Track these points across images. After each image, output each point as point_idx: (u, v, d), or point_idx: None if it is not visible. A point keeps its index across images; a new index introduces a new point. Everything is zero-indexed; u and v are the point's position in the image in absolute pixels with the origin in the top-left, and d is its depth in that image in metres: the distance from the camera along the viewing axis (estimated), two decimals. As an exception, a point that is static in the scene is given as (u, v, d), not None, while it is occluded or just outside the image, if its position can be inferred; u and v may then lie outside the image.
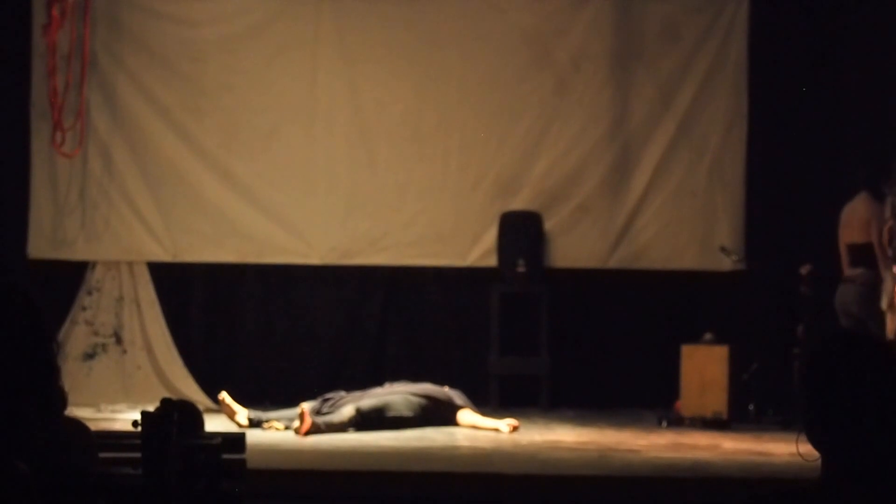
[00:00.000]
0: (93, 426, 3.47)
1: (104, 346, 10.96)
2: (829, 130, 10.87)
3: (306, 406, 9.34)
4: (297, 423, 9.21)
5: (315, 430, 9.16)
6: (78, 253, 11.04)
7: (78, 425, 3.32)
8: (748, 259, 10.85)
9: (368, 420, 9.43)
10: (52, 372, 3.19)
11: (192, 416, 3.82)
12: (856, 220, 9.77)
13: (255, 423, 9.41)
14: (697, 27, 11.11)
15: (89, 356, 10.91)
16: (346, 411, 9.40)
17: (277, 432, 9.28)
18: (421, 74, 11.11)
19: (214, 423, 8.70)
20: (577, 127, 11.14)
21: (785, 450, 8.67)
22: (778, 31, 10.97)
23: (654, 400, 10.41)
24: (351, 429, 9.33)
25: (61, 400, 3.23)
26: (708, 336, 10.24)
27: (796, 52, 10.92)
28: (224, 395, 9.54)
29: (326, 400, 9.59)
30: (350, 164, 11.11)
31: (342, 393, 9.69)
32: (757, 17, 11.03)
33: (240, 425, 9.29)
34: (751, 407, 10.20)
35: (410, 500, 7.53)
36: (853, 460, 2.59)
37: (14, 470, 2.66)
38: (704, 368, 10.08)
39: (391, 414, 9.54)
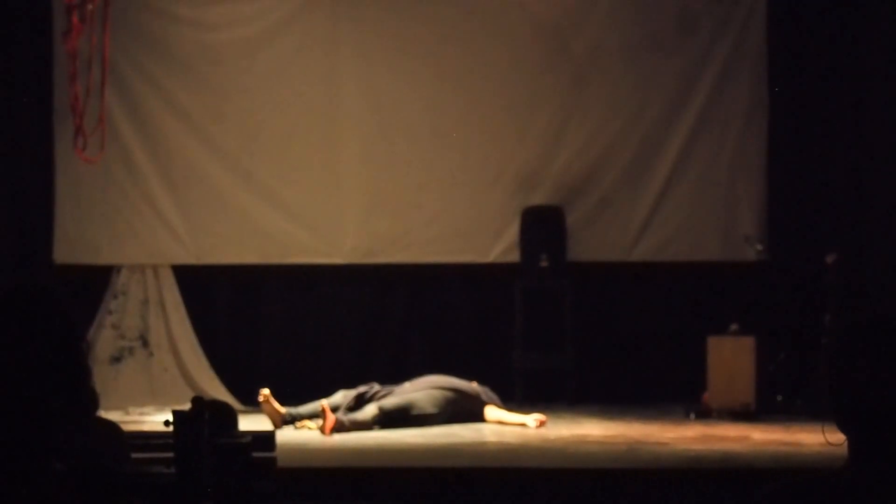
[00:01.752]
0: (122, 429, 3.49)
1: (131, 350, 11.00)
2: (850, 117, 10.84)
3: (328, 402, 9.37)
4: (321, 422, 9.21)
5: (340, 427, 9.17)
6: (102, 257, 11.09)
7: (110, 425, 3.34)
8: (772, 249, 10.82)
9: (392, 419, 9.43)
10: (82, 373, 3.20)
11: (224, 414, 3.83)
12: None
13: (287, 421, 9.44)
14: (715, 16, 11.08)
15: (116, 360, 10.94)
16: (370, 410, 9.40)
17: (310, 431, 9.29)
18: (439, 71, 11.11)
19: (245, 423, 8.71)
20: (597, 120, 11.13)
21: (815, 440, 8.64)
22: (797, 18, 10.93)
23: (682, 392, 10.38)
24: (376, 427, 9.34)
25: (93, 400, 3.24)
26: (734, 327, 10.21)
27: (816, 39, 10.88)
28: (267, 393, 9.50)
29: (361, 394, 9.59)
30: (370, 162, 11.12)
31: (376, 386, 9.69)
32: (776, 4, 10.99)
33: (277, 425, 9.30)
34: (779, 397, 10.17)
35: (438, 497, 7.53)
36: (881, 444, 2.58)
37: (51, 469, 2.68)
38: (731, 360, 10.05)
39: (416, 412, 9.54)
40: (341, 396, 9.57)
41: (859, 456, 2.61)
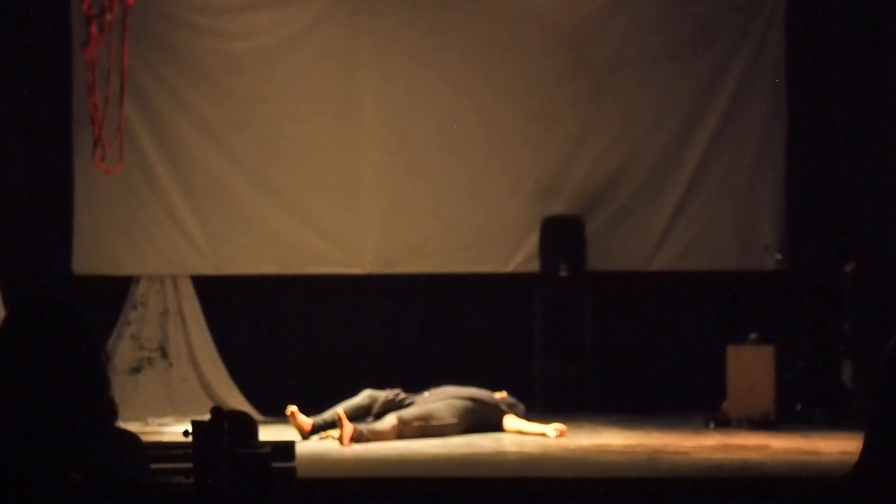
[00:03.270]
0: (141, 439, 3.48)
1: (150, 360, 11.02)
2: (869, 126, 10.81)
3: (350, 404, 9.39)
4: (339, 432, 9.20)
5: (358, 437, 9.16)
6: (122, 268, 11.11)
7: (129, 435, 3.34)
8: (791, 257, 10.80)
9: (412, 429, 9.42)
10: (101, 383, 3.21)
11: (243, 424, 3.83)
12: None
13: (315, 431, 9.43)
14: (734, 27, 11.07)
15: (135, 370, 10.96)
16: (389, 420, 9.40)
17: (333, 441, 9.28)
18: (458, 81, 11.12)
19: (264, 433, 8.71)
20: (616, 129, 11.12)
21: (834, 448, 8.63)
22: (816, 28, 10.91)
23: (701, 401, 10.36)
24: (395, 437, 9.33)
25: (112, 410, 3.24)
26: (753, 336, 10.19)
27: (835, 48, 10.87)
28: (294, 409, 9.47)
29: (390, 401, 9.58)
30: (390, 171, 11.12)
31: (402, 394, 9.69)
32: (794, 15, 10.98)
33: (306, 437, 9.30)
34: (798, 406, 10.14)
35: (458, 507, 7.52)
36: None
37: (68, 479, 2.68)
38: (751, 369, 10.03)
39: (435, 423, 9.53)
40: (366, 396, 9.56)
41: (874, 462, 2.59)
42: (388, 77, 11.11)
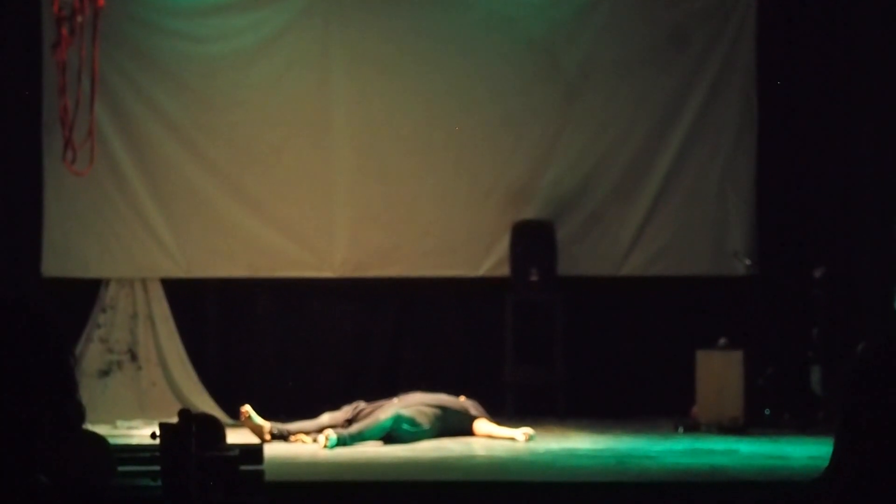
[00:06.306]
0: (109, 443, 3.48)
1: (119, 363, 10.98)
2: (839, 133, 10.86)
3: (327, 419, 9.37)
4: (321, 439, 9.16)
5: (341, 443, 9.14)
6: (91, 270, 11.07)
7: (96, 438, 3.33)
8: (761, 263, 10.84)
9: (402, 431, 9.41)
10: (70, 385, 3.21)
11: (211, 427, 3.82)
12: None
13: (277, 437, 9.39)
14: (706, 33, 11.11)
15: (104, 373, 10.93)
16: (388, 410, 9.38)
17: (304, 445, 9.26)
18: (430, 85, 11.12)
19: (233, 437, 8.68)
20: (588, 135, 11.14)
21: (803, 453, 8.67)
22: (786, 34, 10.96)
23: (670, 406, 10.39)
24: (382, 435, 9.30)
25: (79, 413, 3.24)
26: (722, 341, 10.22)
27: (805, 55, 10.91)
28: (247, 409, 9.46)
29: (349, 420, 9.54)
30: (361, 176, 11.12)
31: (362, 404, 9.67)
32: (765, 22, 11.02)
33: (264, 440, 9.26)
34: (767, 411, 10.18)
35: (428, 511, 7.52)
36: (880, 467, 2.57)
37: (35, 482, 2.68)
38: (720, 374, 10.06)
39: (407, 426, 9.52)
40: (328, 418, 9.53)
41: (849, 465, 2.60)
42: (360, 82, 11.11)
